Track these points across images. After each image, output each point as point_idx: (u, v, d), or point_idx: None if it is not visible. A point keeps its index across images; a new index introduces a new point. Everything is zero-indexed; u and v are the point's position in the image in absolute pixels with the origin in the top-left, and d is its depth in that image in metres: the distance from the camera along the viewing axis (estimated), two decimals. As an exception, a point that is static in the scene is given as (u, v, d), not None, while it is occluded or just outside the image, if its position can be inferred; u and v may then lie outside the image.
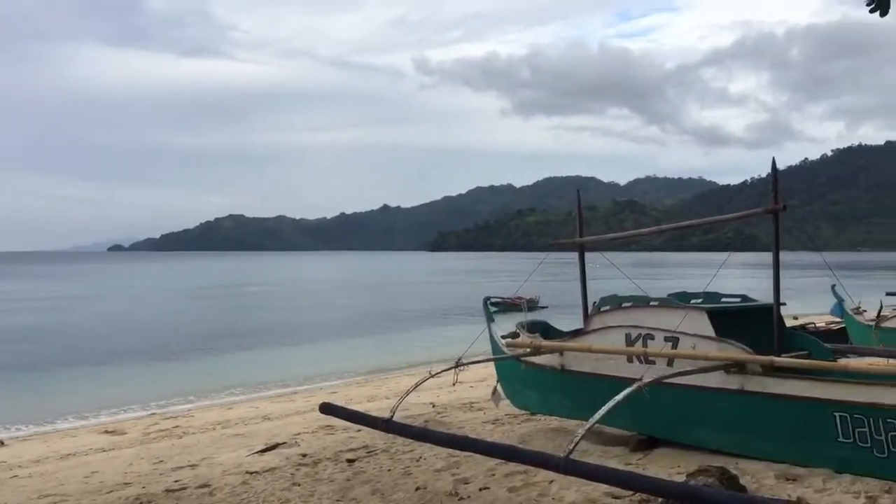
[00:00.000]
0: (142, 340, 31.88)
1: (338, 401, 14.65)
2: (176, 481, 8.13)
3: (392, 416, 7.03)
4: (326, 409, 7.78)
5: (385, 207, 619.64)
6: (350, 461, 8.21)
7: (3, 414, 16.70)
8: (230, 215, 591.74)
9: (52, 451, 11.81)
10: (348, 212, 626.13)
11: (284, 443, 9.85)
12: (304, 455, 8.78)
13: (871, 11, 5.99)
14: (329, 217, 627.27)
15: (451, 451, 7.55)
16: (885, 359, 8.81)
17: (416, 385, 7.78)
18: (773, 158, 6.88)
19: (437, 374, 8.03)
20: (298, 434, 10.58)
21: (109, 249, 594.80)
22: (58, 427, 15.31)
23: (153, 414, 16.23)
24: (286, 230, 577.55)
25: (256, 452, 9.32)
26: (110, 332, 35.45)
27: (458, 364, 8.05)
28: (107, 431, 13.71)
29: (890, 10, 5.94)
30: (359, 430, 9.46)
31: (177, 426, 13.55)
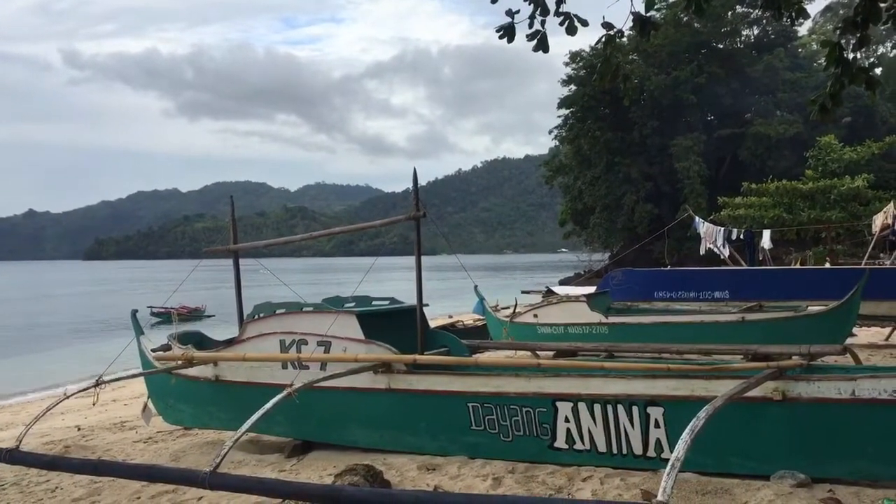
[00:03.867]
0: None
1: (-38, 433, 12.85)
2: None
3: (18, 445, 6.29)
4: (-65, 444, 6.73)
5: (31, 212, 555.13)
6: (-32, 501, 7.20)
7: None
8: None
9: None
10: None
11: None
12: None
13: (501, 38, 6.67)
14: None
15: (93, 477, 6.95)
16: (514, 351, 9.86)
17: (48, 409, 7.05)
18: (415, 169, 7.32)
19: (73, 394, 7.38)
20: None
21: None
22: None
23: None
24: None
25: None
26: None
27: (99, 382, 7.46)
28: None
29: (517, 39, 6.67)
30: (-16, 465, 8.34)
31: None
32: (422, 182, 7.28)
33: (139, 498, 6.43)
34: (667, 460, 3.73)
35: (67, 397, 7.24)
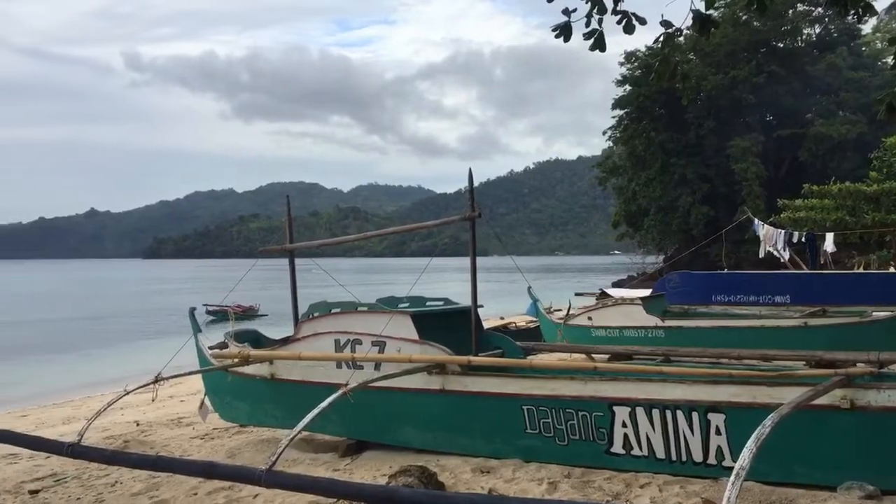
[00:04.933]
0: None
1: (28, 425, 13.24)
2: None
3: (80, 440, 6.42)
4: (2, 436, 6.92)
5: (92, 212, 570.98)
6: (33, 492, 7.37)
7: None
8: None
9: None
10: (48, 216, 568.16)
11: (-47, 479, 8.63)
12: (-23, 491, 7.74)
13: (557, 37, 6.60)
14: (25, 222, 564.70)
15: (152, 472, 7.07)
16: (569, 354, 9.75)
17: (109, 404, 7.20)
18: (470, 170, 7.27)
19: (133, 390, 7.50)
20: (-27, 467, 9.32)
21: None
22: None
23: None
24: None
25: (-85, 493, 8.05)
26: None
27: (158, 379, 7.59)
28: None
29: (573, 38, 6.59)
30: (48, 457, 8.55)
31: None
32: (474, 183, 7.24)
33: (196, 494, 6.51)
34: (728, 468, 3.63)
35: (128, 393, 7.35)
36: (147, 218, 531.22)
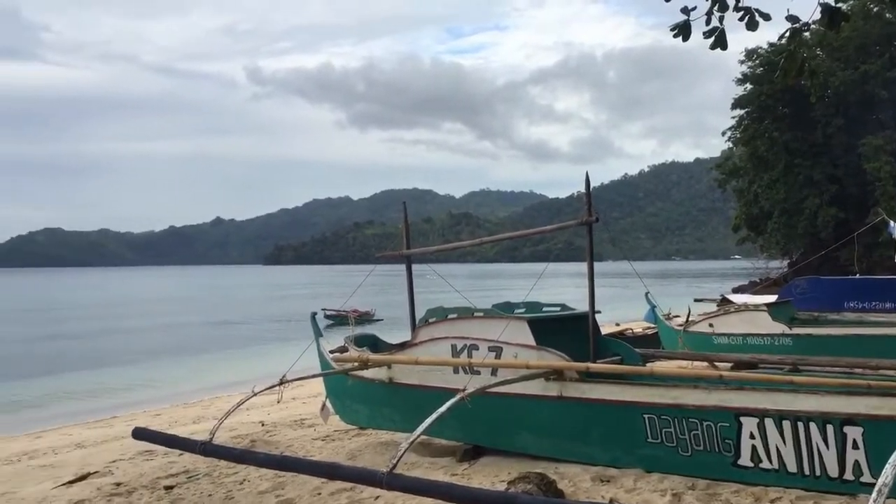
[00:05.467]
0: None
1: (161, 424, 13.97)
2: (-32, 522, 7.39)
3: (211, 438, 6.73)
4: (139, 434, 7.34)
5: (218, 220, 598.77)
6: (168, 488, 7.77)
7: None
8: (46, 229, 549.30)
9: None
10: (178, 224, 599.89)
11: (97, 472, 9.19)
12: (118, 484, 8.21)
13: (676, 36, 6.43)
14: (157, 230, 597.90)
15: (277, 471, 7.32)
16: (690, 361, 9.46)
17: (238, 405, 7.50)
18: (587, 173, 7.18)
19: (260, 392, 7.78)
20: (114, 461, 9.90)
21: None
22: None
23: (-51, 448, 14.71)
24: (110, 244, 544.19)
25: (64, 484, 8.63)
26: None
27: (283, 381, 7.85)
28: None
29: (692, 37, 6.41)
30: (180, 455, 8.98)
31: (-25, 460, 12.33)
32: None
33: (320, 494, 6.69)
34: (867, 485, 3.44)
35: (255, 394, 7.65)
36: (268, 225, 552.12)
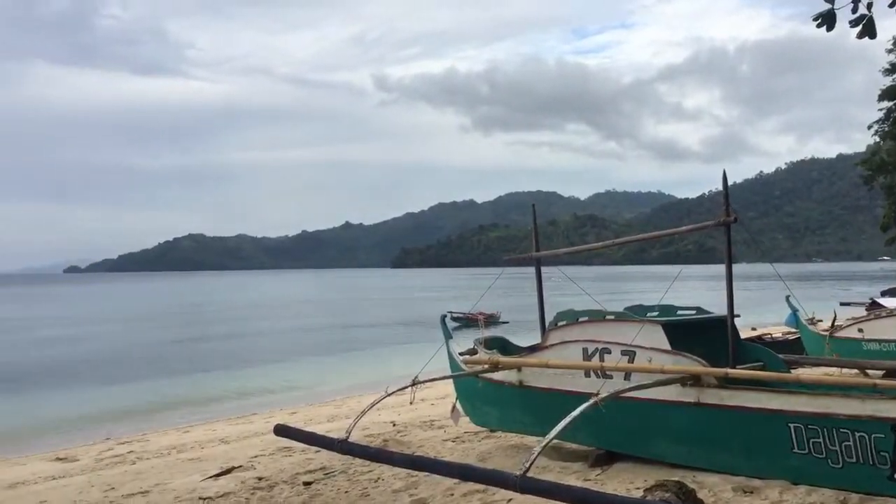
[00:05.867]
0: (96, 363, 31.20)
1: (297, 421, 14.49)
2: (126, 509, 7.90)
3: (348, 437, 6.90)
4: (281, 431, 7.62)
5: (347, 224, 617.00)
6: (307, 484, 8.05)
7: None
8: (189, 235, 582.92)
9: (-2, 480, 11.41)
10: (310, 229, 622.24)
11: (240, 466, 9.65)
12: (260, 478, 8.59)
13: (819, 26, 6.10)
14: (290, 235, 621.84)
15: (409, 471, 7.44)
16: (838, 368, 8.94)
17: (372, 405, 7.67)
18: (724, 171, 6.92)
19: (393, 392, 7.92)
20: (255, 457, 10.38)
21: (65, 271, 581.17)
22: (6, 455, 14.81)
23: (107, 439, 15.80)
24: (247, 249, 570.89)
25: (210, 477, 9.10)
26: (59, 354, 34.57)
27: (415, 382, 7.96)
28: (58, 458, 13.29)
29: (836, 25, 6.06)
30: (317, 452, 9.30)
31: (131, 451, 13.19)
32: (718, 186, 6.86)
33: (452, 495, 6.75)
34: None
35: (388, 395, 7.80)
36: (395, 229, 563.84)
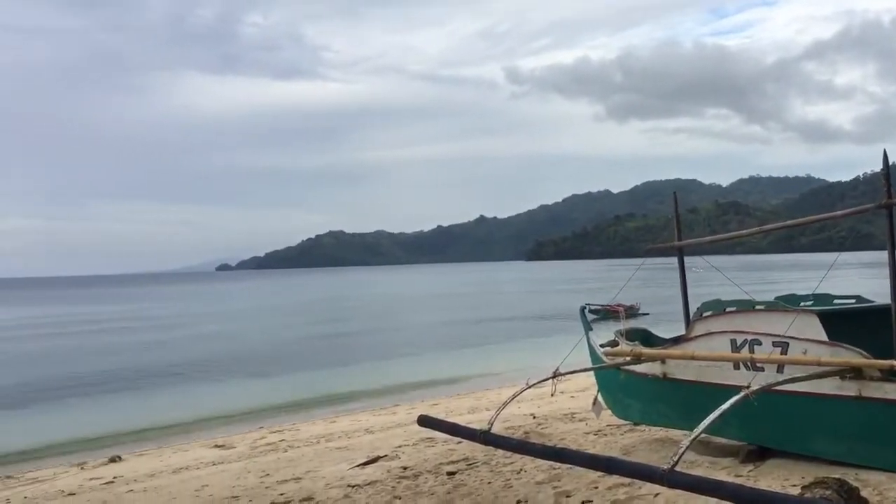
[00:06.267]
0: (248, 356, 33.03)
1: (438, 413, 14.73)
2: (281, 494, 8.31)
3: (490, 428, 6.95)
4: (425, 421, 7.78)
5: (481, 218, 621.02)
6: (450, 474, 8.19)
7: (118, 428, 17.62)
8: (330, 232, 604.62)
9: (164, 465, 12.26)
10: (445, 224, 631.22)
11: (385, 455, 9.93)
12: (405, 468, 8.81)
13: None
14: (426, 230, 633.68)
15: (552, 463, 7.42)
16: None
17: (514, 396, 7.70)
18: (885, 150, 6.45)
19: (534, 384, 7.92)
20: (399, 447, 10.64)
21: (217, 269, 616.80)
22: (170, 443, 15.90)
23: (260, 428, 16.66)
24: (385, 244, 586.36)
25: (358, 465, 9.42)
26: (217, 349, 36.74)
27: (556, 374, 7.91)
28: (216, 445, 14.13)
29: None
30: (459, 443, 9.43)
31: (283, 440, 13.85)
32: (874, 167, 6.38)
33: (597, 488, 6.68)
34: None
35: (529, 387, 7.80)
36: (529, 222, 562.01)
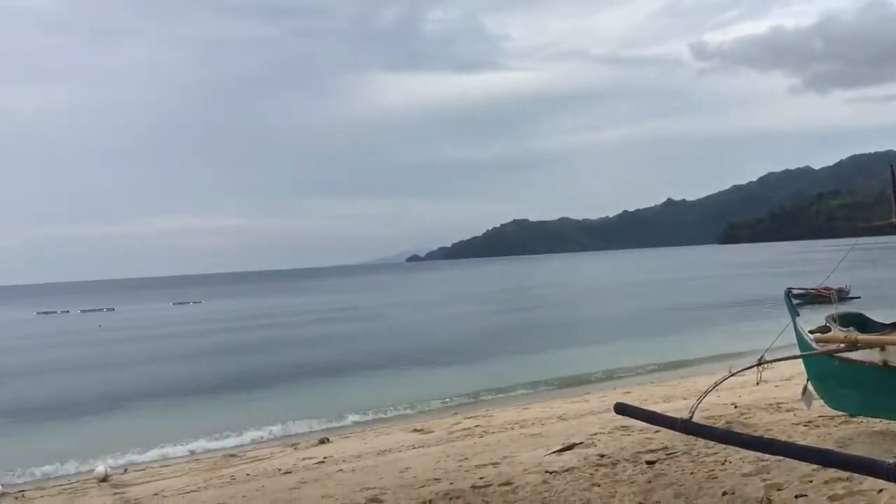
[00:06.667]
0: (442, 344, 34.06)
1: (632, 401, 14.47)
2: (481, 478, 8.51)
3: (691, 417, 6.73)
4: (621, 409, 7.64)
5: (669, 202, 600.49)
6: (650, 463, 8.04)
7: (326, 413, 18.80)
8: (514, 221, 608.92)
9: (369, 447, 12.92)
10: (631, 209, 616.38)
11: (581, 443, 9.90)
12: (602, 455, 8.75)
13: None
14: (611, 216, 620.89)
15: (758, 454, 7.08)
16: None
17: (716, 384, 7.38)
18: None
19: (737, 372, 7.58)
20: (595, 434, 10.57)
21: (407, 260, 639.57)
22: (374, 427, 16.74)
23: (455, 414, 17.15)
24: (569, 232, 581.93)
25: (554, 452, 9.46)
26: (412, 337, 38.17)
27: (762, 361, 7.52)
28: (416, 430, 14.71)
29: None
30: (656, 432, 9.23)
31: (477, 425, 14.17)
32: None
33: (811, 482, 6.32)
34: None
35: (732, 375, 7.46)
36: (720, 203, 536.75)
